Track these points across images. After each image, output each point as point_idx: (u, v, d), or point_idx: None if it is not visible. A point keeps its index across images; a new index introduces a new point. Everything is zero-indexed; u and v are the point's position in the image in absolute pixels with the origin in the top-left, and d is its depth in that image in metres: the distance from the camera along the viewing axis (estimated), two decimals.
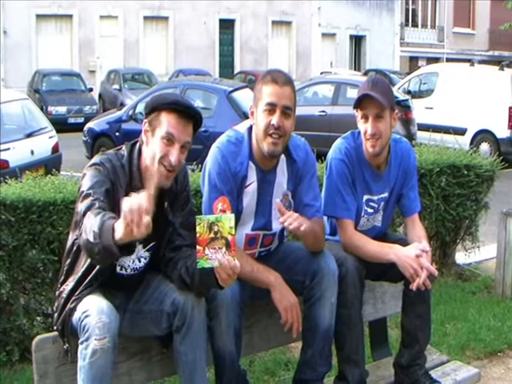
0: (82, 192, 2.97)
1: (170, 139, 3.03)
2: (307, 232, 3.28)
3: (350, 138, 3.80)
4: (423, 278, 3.48)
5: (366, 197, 3.79)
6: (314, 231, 3.38)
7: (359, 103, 3.64)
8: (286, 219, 3.21)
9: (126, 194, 2.97)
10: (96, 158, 3.11)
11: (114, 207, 2.93)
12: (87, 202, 2.90)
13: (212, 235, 2.78)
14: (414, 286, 3.50)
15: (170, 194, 3.18)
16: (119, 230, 2.61)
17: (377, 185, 3.81)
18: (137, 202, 2.54)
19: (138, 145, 3.16)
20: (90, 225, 2.75)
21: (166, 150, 3.03)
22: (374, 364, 4.17)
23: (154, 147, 3.05)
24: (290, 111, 3.34)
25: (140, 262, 3.22)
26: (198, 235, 2.78)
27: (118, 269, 3.18)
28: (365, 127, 3.65)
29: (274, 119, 3.29)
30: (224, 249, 2.79)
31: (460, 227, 6.84)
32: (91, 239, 2.72)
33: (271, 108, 3.31)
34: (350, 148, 3.74)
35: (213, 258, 2.79)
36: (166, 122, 3.04)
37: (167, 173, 3.05)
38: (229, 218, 2.81)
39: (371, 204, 3.82)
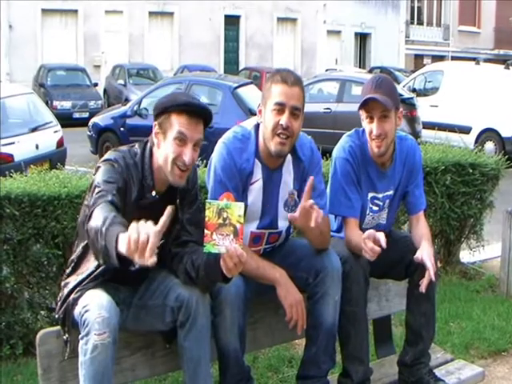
0: (95, 185, 2.98)
1: (182, 139, 3.03)
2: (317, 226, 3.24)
3: (355, 136, 3.79)
4: (427, 278, 3.48)
5: (370, 194, 3.79)
6: (321, 227, 3.36)
7: (364, 105, 3.63)
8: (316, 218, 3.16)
9: (139, 193, 3.00)
10: (110, 155, 3.11)
11: (125, 206, 2.97)
12: (99, 193, 2.92)
13: (220, 221, 2.78)
14: (422, 288, 3.50)
15: (182, 192, 3.19)
16: (122, 245, 2.55)
17: (382, 182, 3.80)
18: (144, 235, 2.48)
19: (148, 145, 3.16)
20: (98, 217, 2.74)
21: (179, 150, 3.03)
22: (378, 362, 4.16)
23: (167, 149, 3.05)
24: (298, 112, 3.33)
25: None
26: (206, 219, 2.78)
27: None
28: (370, 127, 3.64)
29: (283, 119, 3.28)
30: (232, 236, 2.78)
31: (465, 226, 6.84)
32: (97, 236, 2.70)
33: (280, 108, 3.29)
34: (355, 146, 3.74)
35: (220, 243, 2.79)
36: (177, 123, 3.04)
37: (181, 172, 3.05)
38: (238, 206, 2.81)
39: (376, 202, 3.82)
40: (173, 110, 3.06)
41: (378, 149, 3.65)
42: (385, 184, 3.82)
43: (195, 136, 3.06)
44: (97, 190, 2.95)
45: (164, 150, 3.06)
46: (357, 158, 3.72)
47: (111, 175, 3.00)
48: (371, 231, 3.33)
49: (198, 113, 3.08)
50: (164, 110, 3.08)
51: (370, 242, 3.27)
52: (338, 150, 3.77)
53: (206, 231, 2.79)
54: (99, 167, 3.06)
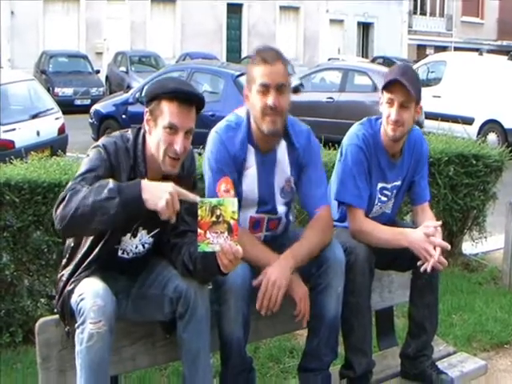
0: (77, 175, 2.95)
1: (173, 128, 2.95)
2: None
3: (367, 125, 3.74)
4: (437, 256, 3.46)
5: (380, 185, 3.75)
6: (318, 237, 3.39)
7: (388, 86, 3.58)
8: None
9: (129, 178, 2.94)
10: (101, 140, 3.06)
11: None
12: (76, 180, 2.90)
13: (214, 219, 2.74)
14: (428, 267, 3.45)
15: (176, 180, 3.12)
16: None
17: (391, 173, 3.77)
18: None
19: (142, 131, 3.09)
20: (88, 191, 2.77)
21: (170, 139, 2.95)
22: (381, 353, 4.13)
23: (158, 137, 2.97)
24: (284, 88, 3.29)
25: (144, 247, 3.18)
26: (199, 218, 2.74)
27: (119, 252, 3.14)
28: (388, 111, 3.59)
29: (270, 100, 3.24)
30: (226, 233, 2.75)
31: (467, 217, 6.80)
32: (102, 196, 2.73)
33: (265, 89, 3.26)
34: (368, 135, 3.68)
35: (214, 242, 2.75)
36: (168, 111, 2.95)
37: (172, 161, 2.99)
38: (231, 202, 2.76)
39: (385, 192, 3.78)
40: (163, 96, 2.98)
41: (394, 132, 3.59)
42: (394, 174, 3.78)
43: (186, 124, 2.98)
44: (77, 179, 2.92)
45: (155, 138, 2.99)
46: (370, 146, 3.67)
47: (94, 164, 2.94)
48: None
49: (189, 100, 2.99)
50: (154, 96, 3.00)
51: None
52: (350, 137, 3.71)
53: (199, 230, 2.75)
54: (87, 155, 3.01)
